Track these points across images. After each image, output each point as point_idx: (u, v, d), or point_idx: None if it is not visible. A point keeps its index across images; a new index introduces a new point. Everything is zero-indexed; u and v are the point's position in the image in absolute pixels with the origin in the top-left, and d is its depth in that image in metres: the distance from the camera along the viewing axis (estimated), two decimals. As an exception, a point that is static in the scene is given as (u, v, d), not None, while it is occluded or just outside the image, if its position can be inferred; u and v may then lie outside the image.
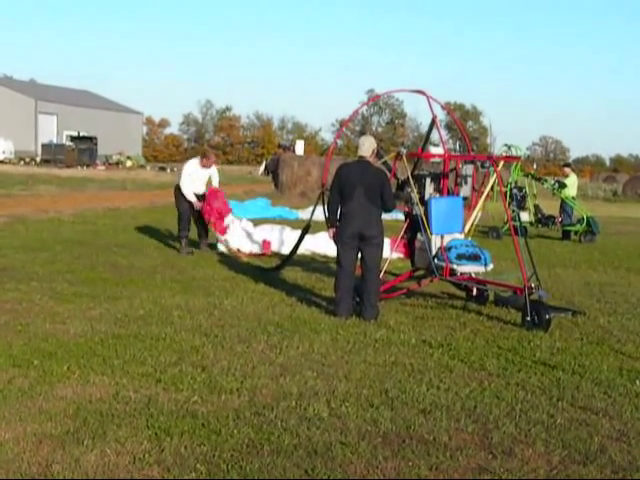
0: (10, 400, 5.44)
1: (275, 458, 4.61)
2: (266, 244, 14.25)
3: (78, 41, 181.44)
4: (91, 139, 67.56)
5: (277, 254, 13.74)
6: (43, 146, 67.49)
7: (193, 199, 14.03)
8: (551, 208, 21.62)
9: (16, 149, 67.66)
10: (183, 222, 14.19)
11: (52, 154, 62.62)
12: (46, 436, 4.81)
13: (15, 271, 10.92)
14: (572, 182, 21.18)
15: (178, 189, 14.20)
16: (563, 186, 20.86)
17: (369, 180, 8.68)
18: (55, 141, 71.61)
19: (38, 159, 65.04)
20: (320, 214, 10.79)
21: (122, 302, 9.01)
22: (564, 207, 20.83)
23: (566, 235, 20.64)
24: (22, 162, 62.70)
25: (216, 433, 4.97)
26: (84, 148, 63.91)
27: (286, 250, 13.85)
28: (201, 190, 14.28)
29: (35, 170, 49.01)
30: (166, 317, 8.30)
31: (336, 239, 8.90)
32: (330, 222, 9.01)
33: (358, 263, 8.88)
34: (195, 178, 14.17)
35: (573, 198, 20.98)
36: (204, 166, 14.31)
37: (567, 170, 21.90)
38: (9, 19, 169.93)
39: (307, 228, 11.19)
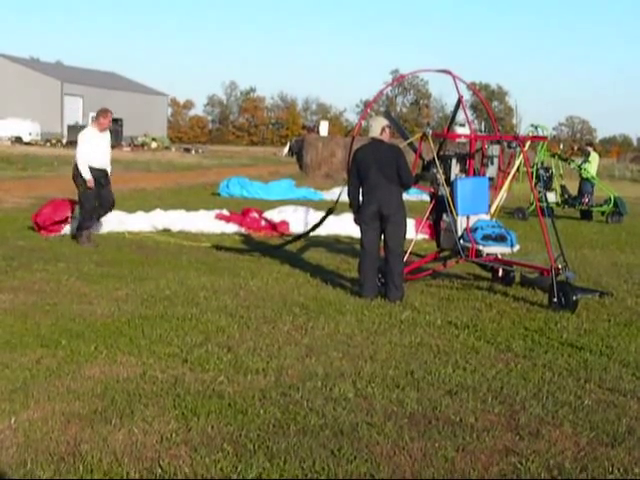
0: (39, 380, 5.48)
1: (301, 438, 4.62)
2: (283, 224, 14.27)
3: (104, 23, 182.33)
4: (116, 120, 67.71)
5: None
6: (69, 128, 67.94)
7: (88, 176, 11.74)
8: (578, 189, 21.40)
9: (42, 131, 68.23)
10: (85, 208, 12.02)
11: (78, 136, 63.02)
12: (74, 415, 4.85)
13: (43, 252, 11.00)
14: (593, 161, 20.98)
15: (77, 168, 11.93)
16: (587, 154, 20.71)
17: (382, 157, 8.66)
18: (81, 122, 71.98)
19: (64, 141, 65.48)
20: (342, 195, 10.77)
21: (148, 283, 9.05)
22: (584, 187, 20.62)
23: (585, 215, 20.47)
24: (48, 144, 63.14)
25: (242, 413, 4.98)
26: (109, 129, 64.20)
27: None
28: (104, 163, 12.16)
29: (61, 151, 49.34)
30: (192, 298, 8.33)
31: (359, 221, 8.89)
32: (352, 207, 8.99)
33: (382, 244, 8.86)
34: (94, 146, 11.99)
35: (592, 178, 20.77)
36: (102, 128, 12.23)
37: (589, 149, 21.70)
38: (35, 1, 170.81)
39: (330, 211, 11.13)
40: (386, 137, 8.93)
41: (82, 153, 11.89)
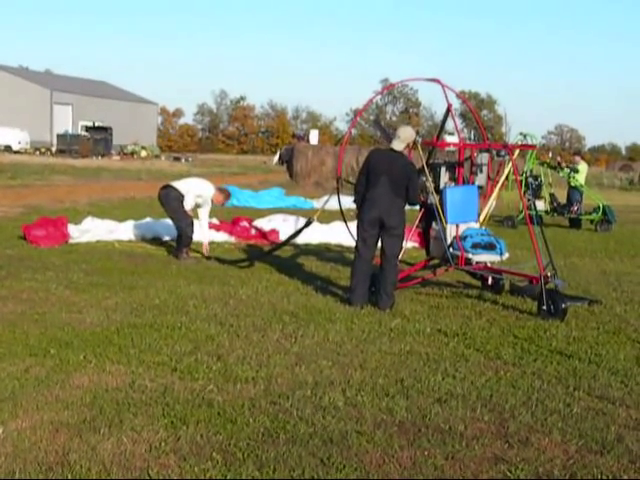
0: (27, 389, 5.46)
1: (291, 447, 4.62)
2: (273, 233, 14.26)
3: (94, 32, 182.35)
4: (106, 129, 67.84)
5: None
6: (58, 136, 67.84)
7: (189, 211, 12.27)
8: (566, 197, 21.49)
9: (32, 139, 68.03)
10: (187, 234, 12.20)
11: (67, 144, 62.95)
12: (63, 425, 4.83)
13: (31, 261, 10.96)
14: (582, 170, 21.07)
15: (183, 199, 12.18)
16: (576, 171, 20.76)
17: (396, 171, 8.65)
18: (70, 131, 71.97)
19: (53, 149, 65.42)
20: (333, 204, 10.77)
21: (138, 291, 9.03)
22: (573, 195, 20.69)
23: (574, 223, 20.54)
24: (38, 152, 63.01)
25: (232, 422, 4.98)
26: (99, 138, 64.22)
27: (300, 240, 13.88)
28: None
29: (50, 160, 49.25)
30: (182, 306, 8.31)
31: (358, 223, 8.88)
32: (357, 203, 8.99)
33: (377, 253, 8.86)
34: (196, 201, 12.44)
35: (581, 186, 20.86)
36: (216, 203, 12.67)
37: (577, 158, 21.78)
38: (25, 10, 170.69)
39: (309, 222, 11.12)
40: (406, 152, 8.93)
41: (206, 217, 12.53)
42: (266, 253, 11.89)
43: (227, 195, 12.83)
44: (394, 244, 8.76)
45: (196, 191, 12.24)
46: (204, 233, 12.50)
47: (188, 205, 12.14)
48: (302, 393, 5.60)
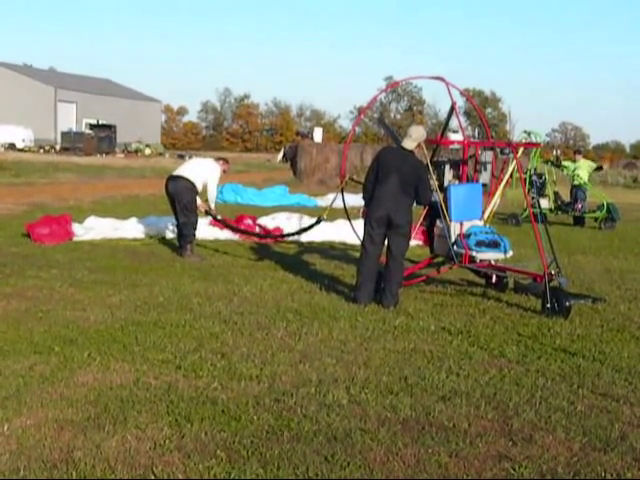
0: (31, 386, 5.47)
1: (295, 444, 4.62)
2: (277, 231, 14.26)
3: (97, 30, 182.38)
4: (110, 127, 67.84)
5: (291, 242, 13.75)
6: (62, 134, 67.90)
7: (202, 206, 12.46)
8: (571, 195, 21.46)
9: (36, 137, 68.09)
10: (192, 229, 12.21)
11: (71, 142, 62.96)
12: (67, 422, 4.84)
13: (36, 258, 10.98)
14: (584, 168, 21.04)
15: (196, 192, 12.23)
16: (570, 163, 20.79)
17: (406, 170, 8.63)
18: (74, 129, 71.91)
19: (58, 147, 65.45)
20: (337, 202, 10.78)
21: (142, 289, 9.04)
22: (577, 193, 20.66)
23: (578, 221, 20.51)
24: (42, 150, 63.07)
25: (236, 419, 4.98)
26: (103, 136, 64.23)
27: (304, 238, 13.91)
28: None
29: (54, 158, 49.28)
30: (186, 304, 8.32)
31: (365, 220, 8.88)
32: (364, 200, 8.99)
33: (383, 251, 8.85)
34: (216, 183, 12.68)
35: (585, 184, 20.82)
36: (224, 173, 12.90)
37: (579, 157, 21.75)
38: (29, 8, 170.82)
39: (319, 221, 11.13)
40: (417, 152, 8.92)
41: (214, 190, 12.46)
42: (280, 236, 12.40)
43: (227, 163, 12.97)
44: (401, 243, 8.75)
45: (204, 177, 12.22)
46: (212, 200, 12.43)
47: (199, 200, 12.25)
48: (306, 391, 5.61)
